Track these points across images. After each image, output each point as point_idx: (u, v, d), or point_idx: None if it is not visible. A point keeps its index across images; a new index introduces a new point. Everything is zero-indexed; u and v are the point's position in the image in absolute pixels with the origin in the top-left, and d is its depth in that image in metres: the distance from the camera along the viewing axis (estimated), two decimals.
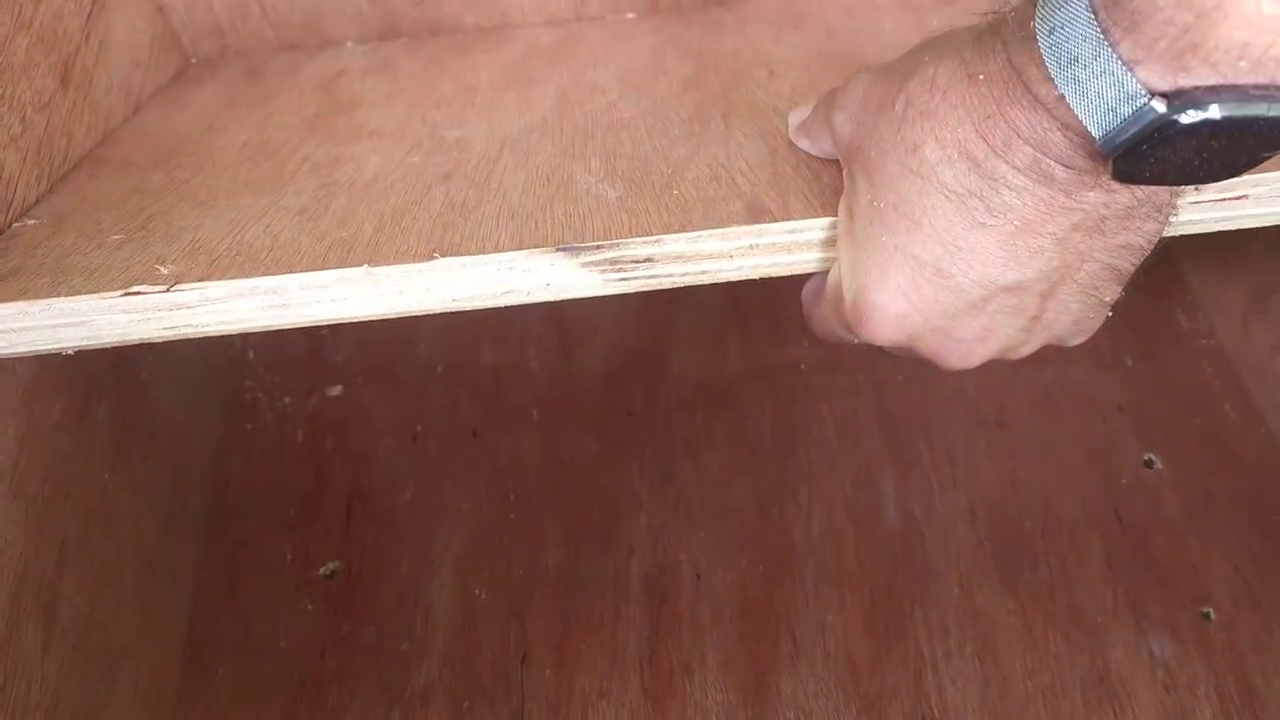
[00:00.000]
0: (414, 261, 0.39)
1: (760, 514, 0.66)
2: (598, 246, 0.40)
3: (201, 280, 0.40)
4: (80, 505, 0.52)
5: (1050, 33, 0.28)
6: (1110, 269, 0.35)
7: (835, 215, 0.40)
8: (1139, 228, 0.33)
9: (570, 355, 0.77)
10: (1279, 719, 0.56)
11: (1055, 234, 0.32)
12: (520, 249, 0.40)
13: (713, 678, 0.59)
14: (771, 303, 0.78)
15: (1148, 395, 0.70)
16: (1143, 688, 0.57)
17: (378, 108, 0.58)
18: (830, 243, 0.40)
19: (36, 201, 0.49)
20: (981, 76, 0.31)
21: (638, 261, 0.40)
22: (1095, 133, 0.28)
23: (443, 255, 0.40)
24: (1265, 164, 0.40)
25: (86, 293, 0.40)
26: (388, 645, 0.62)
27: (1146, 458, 0.67)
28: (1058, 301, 0.35)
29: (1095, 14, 0.27)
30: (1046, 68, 0.28)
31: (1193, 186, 0.35)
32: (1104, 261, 0.34)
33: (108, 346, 0.41)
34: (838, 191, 0.41)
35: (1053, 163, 0.30)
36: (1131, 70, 0.26)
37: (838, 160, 0.43)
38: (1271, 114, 0.25)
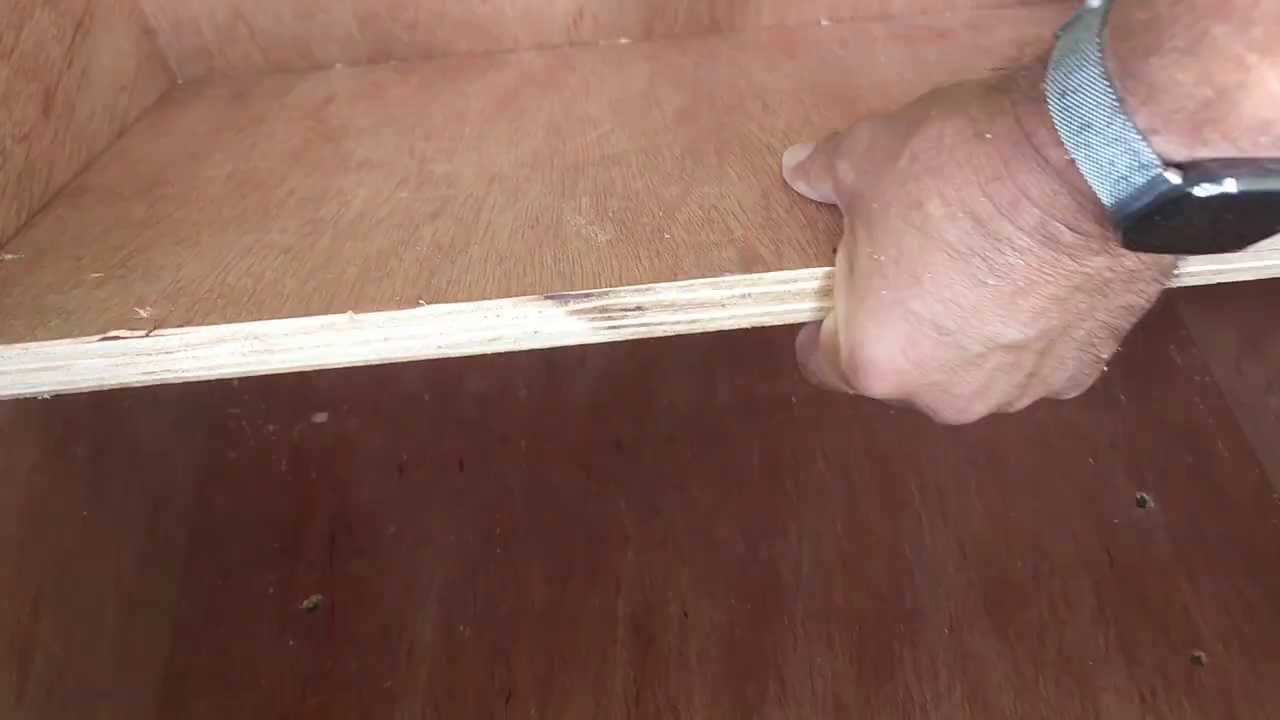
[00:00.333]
0: (399, 309, 0.39)
1: (748, 550, 0.65)
2: (587, 295, 0.39)
3: (182, 325, 0.39)
4: (57, 546, 0.51)
5: (1062, 96, 0.27)
6: (1108, 328, 0.34)
7: (829, 265, 0.39)
8: (1142, 290, 0.33)
9: (558, 386, 0.76)
10: None
11: (1057, 295, 0.32)
12: (508, 296, 0.39)
13: (700, 718, 0.58)
14: (762, 336, 0.76)
15: (1141, 433, 0.70)
16: None
17: (366, 136, 0.57)
18: (825, 293, 0.40)
19: (15, 234, 0.48)
20: (989, 135, 0.31)
21: (628, 310, 0.40)
22: (1106, 200, 0.27)
23: (429, 302, 0.39)
24: None
25: (63, 336, 0.39)
26: (370, 682, 0.61)
27: (1139, 496, 0.67)
28: (1054, 359, 0.35)
29: (1110, 82, 0.26)
30: (1057, 131, 0.28)
31: None
32: (1104, 321, 0.34)
33: (84, 391, 0.41)
34: (832, 237, 0.41)
35: (1060, 226, 0.30)
36: (1147, 140, 0.26)
37: (833, 204, 0.42)
38: None
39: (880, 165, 0.35)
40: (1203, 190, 0.25)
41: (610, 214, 0.45)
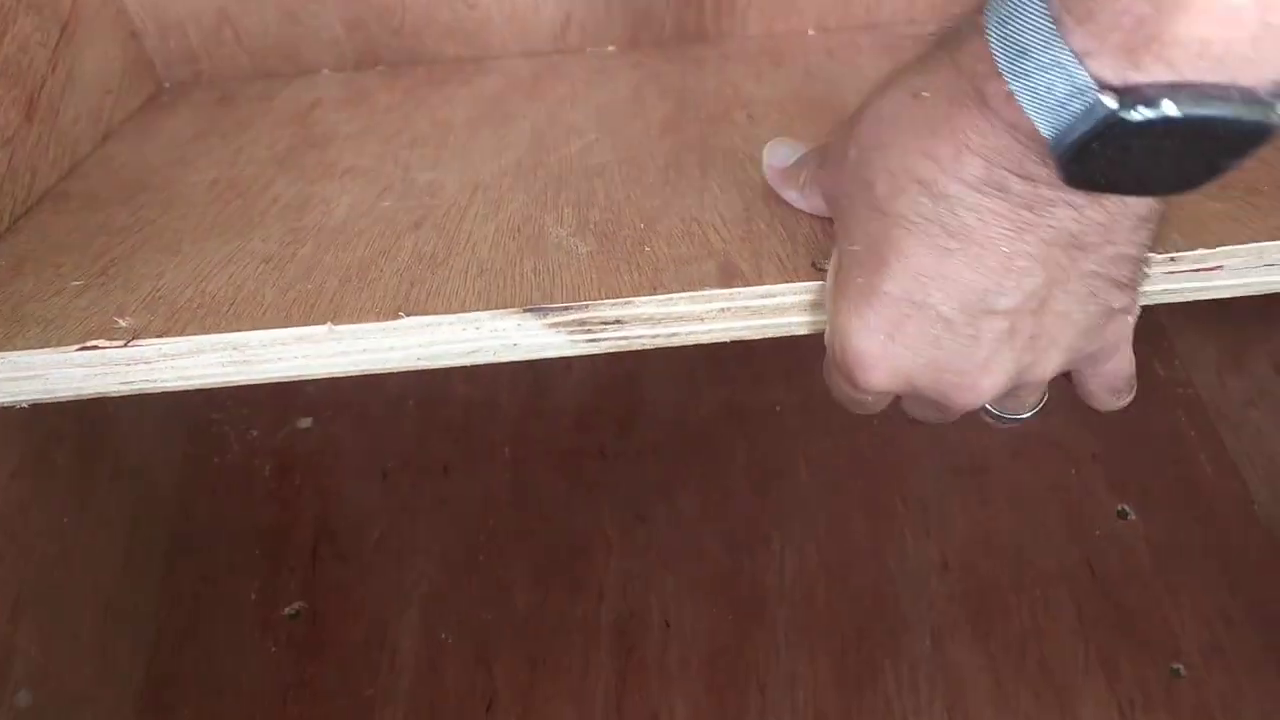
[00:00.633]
0: (378, 320, 0.39)
1: (731, 560, 0.65)
2: (566, 308, 0.39)
3: (160, 335, 0.39)
4: (37, 553, 0.51)
5: (1001, 24, 0.27)
6: (1106, 278, 0.33)
7: (808, 280, 0.39)
8: (1126, 239, 0.31)
9: (543, 393, 0.76)
10: None
11: (1029, 253, 0.31)
12: (487, 308, 0.39)
13: None
14: (747, 345, 0.77)
15: (1123, 445, 0.70)
16: None
17: (352, 143, 0.57)
18: (804, 307, 0.40)
19: None
20: (926, 93, 0.30)
21: (606, 323, 0.40)
22: (1045, 130, 0.26)
23: (408, 314, 0.39)
24: (1238, 235, 0.40)
25: (41, 345, 0.39)
26: (352, 689, 0.61)
27: (1120, 508, 0.67)
28: (1054, 315, 0.33)
29: (1049, 3, 0.25)
30: (995, 61, 0.27)
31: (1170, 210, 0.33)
32: (1095, 271, 0.32)
33: (63, 400, 0.40)
34: (811, 250, 0.41)
35: (1005, 173, 0.29)
36: (1082, 63, 0.25)
37: (814, 216, 0.42)
38: (1229, 115, 0.24)
39: (840, 162, 0.36)
40: (1138, 114, 0.24)
41: (592, 225, 0.45)
